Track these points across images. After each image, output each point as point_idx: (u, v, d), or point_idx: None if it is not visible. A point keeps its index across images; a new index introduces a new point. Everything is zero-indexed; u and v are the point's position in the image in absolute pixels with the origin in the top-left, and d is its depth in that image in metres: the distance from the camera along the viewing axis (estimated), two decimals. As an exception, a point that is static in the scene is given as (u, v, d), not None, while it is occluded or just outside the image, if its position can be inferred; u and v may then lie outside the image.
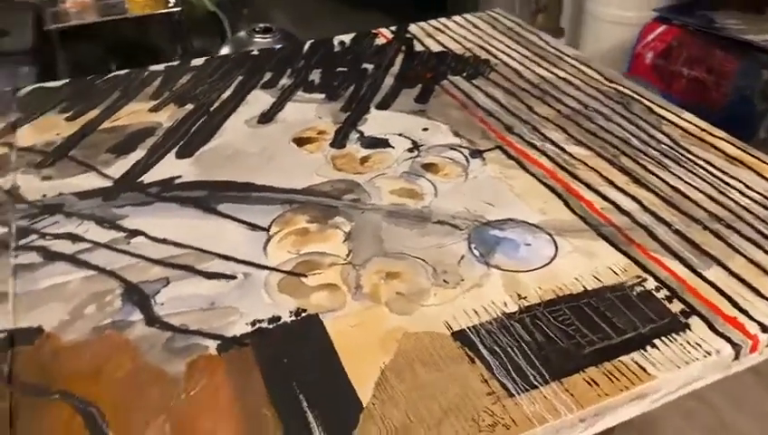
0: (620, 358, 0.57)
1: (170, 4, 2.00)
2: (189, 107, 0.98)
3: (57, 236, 0.72)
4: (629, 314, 0.61)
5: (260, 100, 1.01)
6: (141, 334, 0.60)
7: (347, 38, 1.22)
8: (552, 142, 0.88)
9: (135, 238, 0.71)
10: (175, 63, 1.12)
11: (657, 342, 0.58)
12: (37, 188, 0.80)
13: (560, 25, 2.46)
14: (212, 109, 0.98)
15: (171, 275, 0.66)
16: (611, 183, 0.80)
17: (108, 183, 0.81)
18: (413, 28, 1.24)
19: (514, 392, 0.54)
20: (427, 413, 0.52)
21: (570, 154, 0.86)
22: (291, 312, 0.62)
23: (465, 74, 1.07)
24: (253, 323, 0.61)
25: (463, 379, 0.55)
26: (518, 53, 1.14)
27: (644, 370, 0.56)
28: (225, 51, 2.10)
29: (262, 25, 2.03)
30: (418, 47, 1.17)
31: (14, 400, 0.54)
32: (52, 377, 0.56)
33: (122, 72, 1.09)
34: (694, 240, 0.70)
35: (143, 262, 0.68)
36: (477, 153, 0.86)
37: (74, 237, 0.72)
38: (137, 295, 0.64)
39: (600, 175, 0.81)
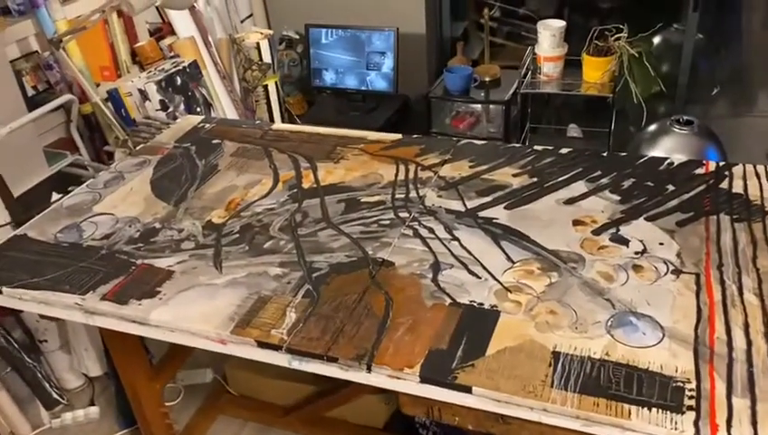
0: (624, 404, 0.98)
1: (613, 90, 2.55)
2: (534, 180, 1.58)
3: (423, 226, 1.44)
4: (656, 391, 1.00)
5: (578, 189, 1.53)
6: (425, 284, 1.27)
7: (679, 159, 1.61)
8: (740, 286, 1.19)
9: (453, 241, 1.38)
10: (550, 148, 1.72)
11: (654, 409, 0.97)
12: (432, 199, 1.53)
13: None
14: (545, 186, 1.56)
15: (456, 264, 1.31)
16: (749, 326, 1.10)
17: (462, 209, 1.49)
18: (737, 168, 1.55)
19: (554, 387, 1.02)
20: (509, 372, 1.06)
21: (743, 299, 1.16)
22: (491, 305, 1.20)
23: (735, 216, 1.38)
24: (471, 301, 1.21)
25: (538, 370, 1.06)
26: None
27: (629, 414, 0.97)
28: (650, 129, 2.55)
29: (685, 118, 2.40)
30: (725, 184, 1.49)
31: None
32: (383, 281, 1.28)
33: (515, 145, 1.75)
34: None
35: (448, 254, 1.34)
36: (677, 272, 1.24)
37: (430, 229, 1.42)
38: (436, 266, 1.31)
39: (752, 319, 1.12)
